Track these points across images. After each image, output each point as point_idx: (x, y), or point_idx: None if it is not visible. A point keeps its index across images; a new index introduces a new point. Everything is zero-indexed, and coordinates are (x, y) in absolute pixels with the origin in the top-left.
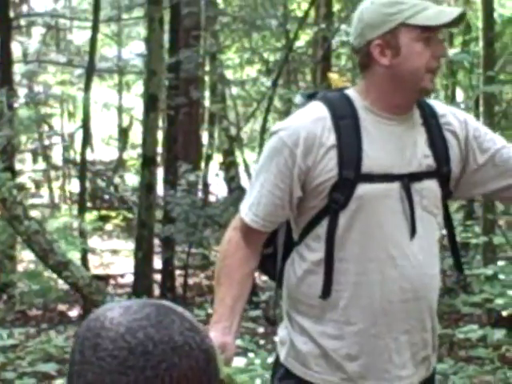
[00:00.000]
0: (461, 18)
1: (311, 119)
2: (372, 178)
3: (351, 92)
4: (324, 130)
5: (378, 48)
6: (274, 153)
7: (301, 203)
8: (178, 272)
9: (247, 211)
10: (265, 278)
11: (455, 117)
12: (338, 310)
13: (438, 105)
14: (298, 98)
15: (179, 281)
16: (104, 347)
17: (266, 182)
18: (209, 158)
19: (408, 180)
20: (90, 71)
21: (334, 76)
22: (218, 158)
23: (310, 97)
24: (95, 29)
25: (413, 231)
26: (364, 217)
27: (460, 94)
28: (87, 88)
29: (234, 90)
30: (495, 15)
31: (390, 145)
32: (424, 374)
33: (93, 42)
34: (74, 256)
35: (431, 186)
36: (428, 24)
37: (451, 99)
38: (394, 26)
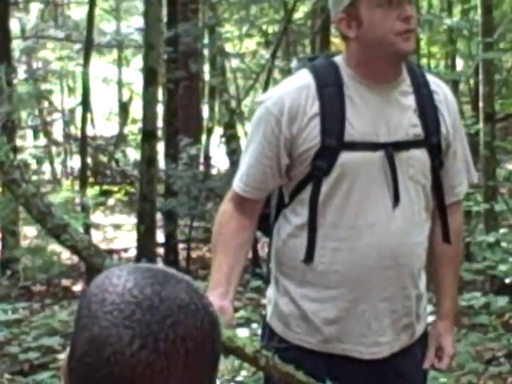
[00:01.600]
0: None
1: (295, 87)
2: (354, 146)
3: (339, 59)
4: (308, 98)
5: (343, 22)
6: (260, 122)
7: (288, 170)
8: (180, 245)
9: (238, 182)
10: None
11: (447, 101)
12: (318, 273)
13: (435, 81)
14: (293, 63)
15: (182, 254)
16: (111, 301)
17: (254, 152)
18: (209, 131)
19: (393, 149)
20: (89, 46)
21: (337, 41)
22: (218, 131)
23: (311, 60)
24: (92, 3)
25: (395, 200)
26: (346, 184)
27: (460, 63)
28: (86, 63)
29: (234, 63)
30: None
31: (374, 113)
32: (407, 341)
33: (90, 16)
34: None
35: (419, 156)
36: None
37: (451, 68)
38: None
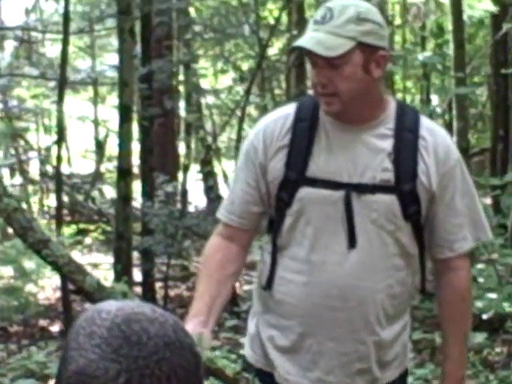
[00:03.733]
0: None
1: (275, 117)
2: (315, 182)
3: None
4: (283, 128)
5: None
6: (244, 152)
7: (269, 198)
8: (158, 284)
9: (223, 211)
10: (246, 287)
11: (437, 149)
12: (275, 302)
13: (430, 127)
14: None
15: (160, 293)
16: (99, 335)
17: (238, 181)
18: (186, 168)
19: (356, 190)
20: (62, 83)
21: None
22: (195, 168)
23: None
24: (66, 41)
25: (351, 241)
26: (305, 219)
27: (435, 98)
28: (60, 100)
29: (209, 99)
30: (464, 17)
31: (342, 153)
32: None
33: (64, 54)
34: (54, 271)
35: (385, 201)
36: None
37: (426, 102)
38: None
